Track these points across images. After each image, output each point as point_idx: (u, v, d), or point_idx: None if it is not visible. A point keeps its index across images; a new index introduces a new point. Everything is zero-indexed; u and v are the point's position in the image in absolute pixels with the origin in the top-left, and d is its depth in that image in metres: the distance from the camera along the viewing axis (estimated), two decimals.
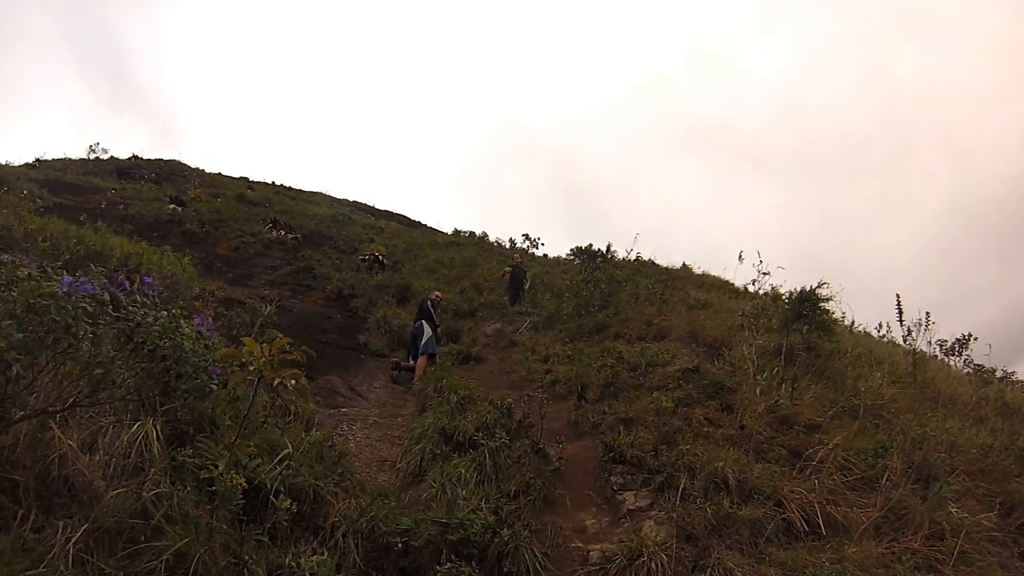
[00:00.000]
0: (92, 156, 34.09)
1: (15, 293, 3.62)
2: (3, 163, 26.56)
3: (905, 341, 9.18)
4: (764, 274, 11.20)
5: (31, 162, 29.90)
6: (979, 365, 10.28)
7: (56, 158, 32.56)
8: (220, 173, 38.09)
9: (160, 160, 36.48)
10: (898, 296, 8.99)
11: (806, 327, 9.63)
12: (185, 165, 37.14)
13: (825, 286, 10.05)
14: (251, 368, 4.42)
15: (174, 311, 4.50)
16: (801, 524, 5.84)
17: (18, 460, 4.12)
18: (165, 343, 4.20)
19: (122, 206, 22.62)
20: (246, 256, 20.83)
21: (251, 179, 38.31)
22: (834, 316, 10.31)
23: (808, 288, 9.98)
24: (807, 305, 9.80)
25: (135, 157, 35.51)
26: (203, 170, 37.38)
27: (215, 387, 4.68)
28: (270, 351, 4.39)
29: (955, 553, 5.47)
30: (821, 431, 7.22)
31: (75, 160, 32.92)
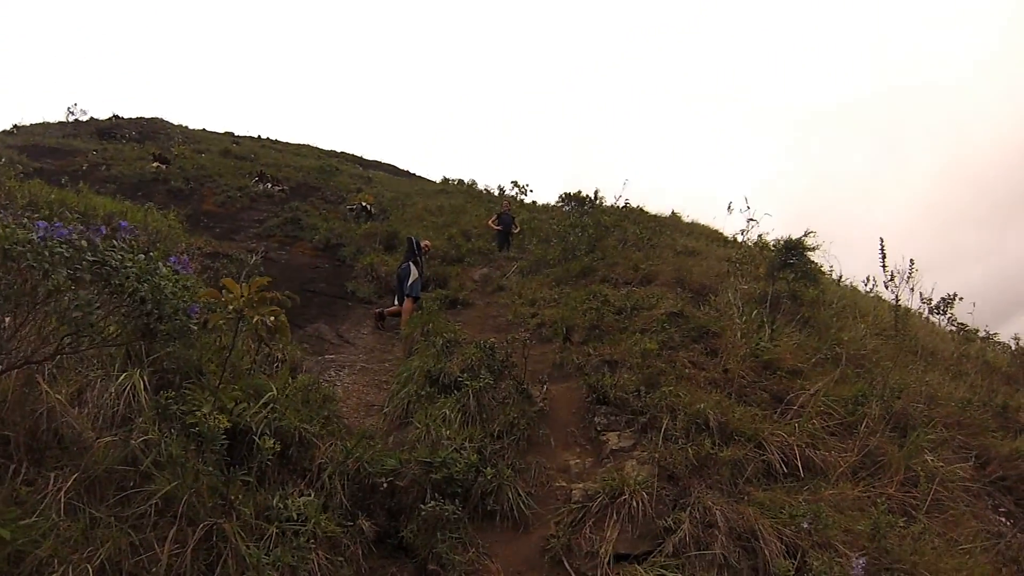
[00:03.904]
0: (71, 118, 33.26)
1: None
2: None
3: (887, 287, 9.22)
4: (751, 220, 11.15)
5: (8, 129, 29.27)
6: (962, 324, 10.38)
7: (34, 123, 31.86)
8: (204, 129, 37.63)
9: (142, 119, 35.74)
10: (881, 240, 8.97)
11: (792, 276, 9.67)
12: (168, 123, 36.53)
13: (812, 235, 10.10)
14: (230, 307, 4.42)
15: (153, 254, 4.50)
16: (780, 466, 5.93)
17: (7, 416, 4.21)
18: (144, 286, 4.19)
19: (104, 167, 22.36)
20: (233, 210, 20.68)
21: (236, 134, 37.91)
22: (820, 267, 10.35)
23: (795, 237, 10.03)
24: (793, 253, 9.86)
25: (115, 117, 34.70)
26: (186, 127, 36.85)
27: (195, 327, 4.70)
28: (250, 290, 4.40)
29: (929, 500, 5.59)
30: (803, 377, 7.30)
31: (53, 124, 32.19)
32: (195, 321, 4.67)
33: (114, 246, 4.21)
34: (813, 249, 10.01)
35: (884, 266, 9.04)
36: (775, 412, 6.79)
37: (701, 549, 5.03)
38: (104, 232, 4.33)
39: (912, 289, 9.23)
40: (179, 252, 12.01)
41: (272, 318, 4.47)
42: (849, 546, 4.93)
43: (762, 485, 5.77)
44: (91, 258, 3.97)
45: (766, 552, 4.93)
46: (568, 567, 5.27)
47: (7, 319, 4.01)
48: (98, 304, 4.05)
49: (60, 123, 32.57)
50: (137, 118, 35.72)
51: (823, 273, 10.63)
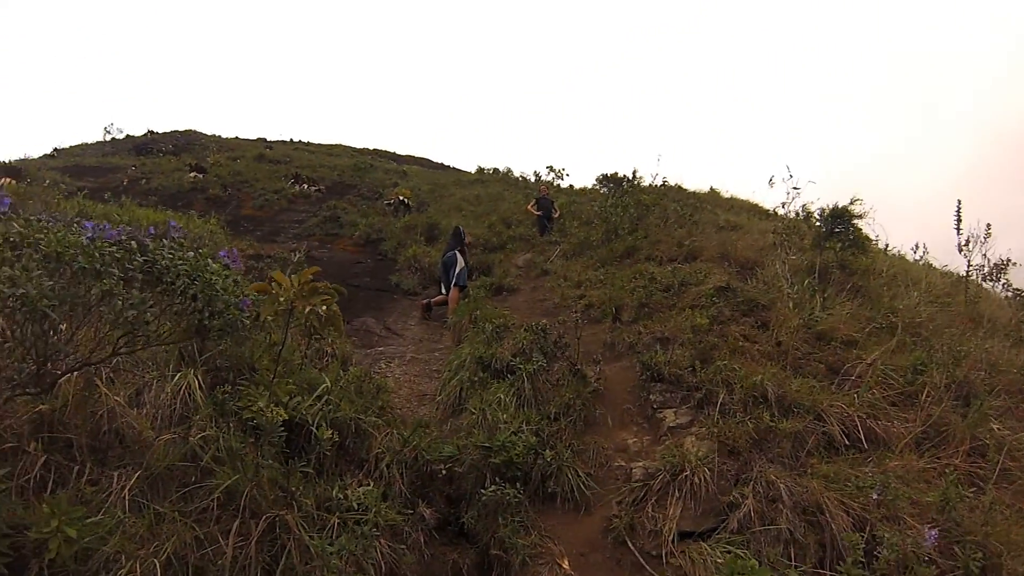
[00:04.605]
0: (108, 137, 34.05)
1: (42, 245, 3.64)
2: (23, 157, 26.45)
3: (961, 252, 8.95)
4: (795, 189, 10.90)
5: (50, 152, 29.84)
6: (1018, 290, 10.06)
7: (73, 145, 32.59)
8: (237, 137, 37.99)
9: (176, 132, 36.23)
10: (959, 203, 8.73)
11: (839, 245, 9.45)
12: (201, 133, 36.97)
13: (858, 203, 9.85)
14: (281, 299, 4.40)
15: (201, 251, 4.52)
16: (842, 438, 5.82)
17: (69, 420, 4.30)
18: (195, 283, 4.21)
19: (144, 181, 22.72)
20: (271, 213, 20.90)
21: (268, 139, 38.22)
22: (867, 235, 10.09)
23: (840, 205, 9.81)
24: (840, 222, 9.63)
25: (151, 132, 35.33)
26: (219, 136, 37.29)
27: (247, 321, 4.72)
28: (299, 281, 4.38)
29: (998, 470, 5.41)
30: (858, 347, 7.13)
31: (92, 144, 32.94)
32: (247, 315, 4.68)
33: (163, 245, 4.23)
34: (860, 216, 9.75)
35: (959, 229, 8.79)
36: (832, 383, 6.66)
37: (766, 524, 4.95)
38: (153, 232, 4.36)
39: (985, 255, 9.00)
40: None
41: (324, 307, 4.44)
42: (918, 518, 4.80)
43: (824, 458, 5.66)
44: (142, 258, 3.99)
45: (833, 526, 4.84)
46: (632, 547, 5.24)
47: (63, 324, 4.05)
48: (151, 302, 4.07)
49: (98, 143, 33.26)
50: (171, 132, 36.21)
51: (871, 241, 10.34)
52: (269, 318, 4.77)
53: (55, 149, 30.77)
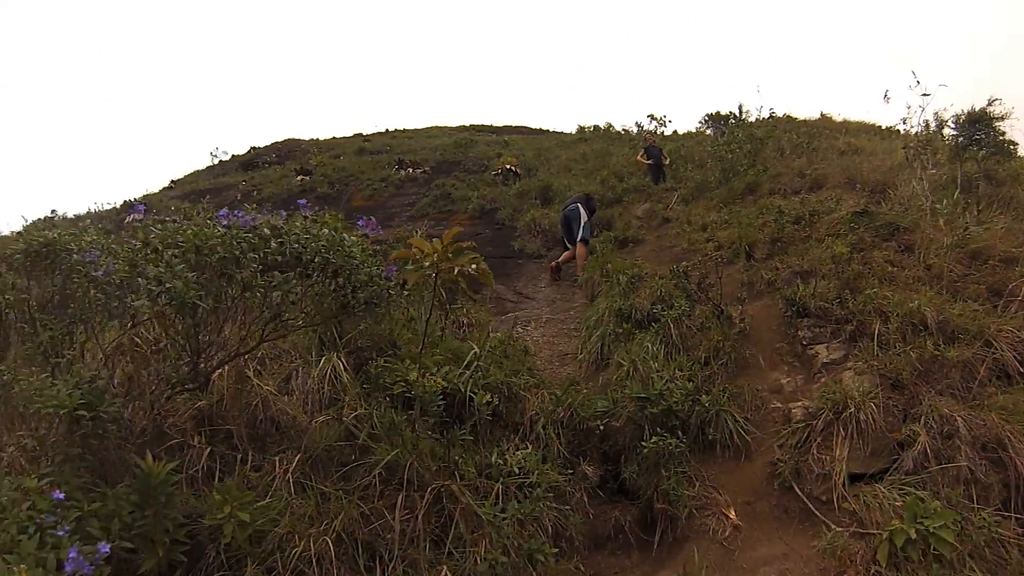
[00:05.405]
0: (216, 161, 35.59)
1: (181, 241, 3.75)
2: (145, 192, 28.37)
3: None
4: (925, 95, 10.07)
5: (167, 185, 31.65)
6: None
7: (187, 174, 34.36)
8: (334, 137, 38.57)
9: (276, 143, 37.18)
10: None
11: (981, 153, 8.81)
12: (300, 140, 37.73)
13: (996, 103, 9.14)
14: (426, 264, 4.35)
15: (337, 226, 4.56)
16: (1016, 365, 5.38)
17: (226, 412, 4.56)
18: (335, 258, 4.24)
19: (255, 192, 23.47)
20: (381, 200, 21.19)
21: (365, 133, 38.67)
22: (1012, 140, 9.36)
23: (978, 108, 9.13)
24: (979, 127, 8.99)
25: (253, 148, 36.53)
26: (318, 139, 37.97)
27: (392, 293, 4.73)
28: (443, 243, 4.32)
29: None
30: (1020, 265, 6.58)
31: (203, 169, 34.50)
32: (392, 284, 4.70)
33: (297, 226, 4.29)
34: (1002, 118, 9.04)
35: None
36: (996, 306, 6.19)
37: (943, 463, 4.65)
38: (284, 215, 4.43)
39: None
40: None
41: (473, 266, 4.36)
42: None
43: (1001, 387, 5.25)
44: (276, 241, 4.05)
45: (1018, 463, 4.53)
46: (799, 492, 5.04)
47: (211, 317, 4.17)
48: (295, 281, 4.14)
49: (208, 167, 34.88)
50: (272, 144, 37.17)
51: (1016, 146, 9.61)
52: (407, 292, 4.78)
53: (172, 181, 32.73)
